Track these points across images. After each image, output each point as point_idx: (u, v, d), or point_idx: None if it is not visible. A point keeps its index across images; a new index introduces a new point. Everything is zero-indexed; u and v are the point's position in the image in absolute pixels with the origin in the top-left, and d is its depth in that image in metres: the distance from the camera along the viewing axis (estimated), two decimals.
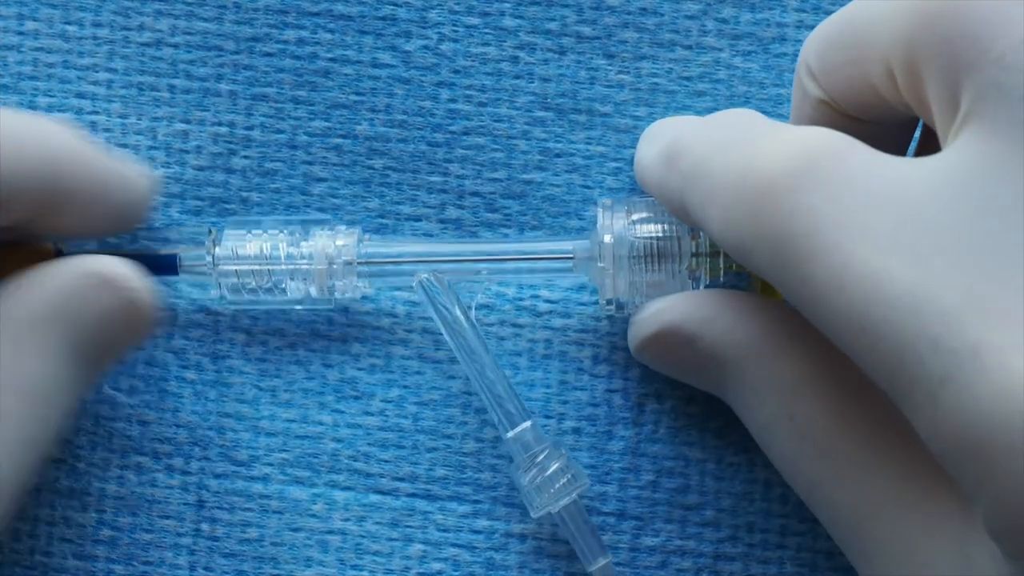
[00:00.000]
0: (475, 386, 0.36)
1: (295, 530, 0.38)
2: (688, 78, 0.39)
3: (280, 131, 0.38)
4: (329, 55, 0.39)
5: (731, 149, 0.30)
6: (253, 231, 0.37)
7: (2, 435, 0.31)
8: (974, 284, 0.26)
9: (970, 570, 0.28)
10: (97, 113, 0.39)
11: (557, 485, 0.36)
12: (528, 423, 0.36)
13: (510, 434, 0.36)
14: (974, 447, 0.25)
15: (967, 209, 0.27)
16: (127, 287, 0.33)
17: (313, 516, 0.37)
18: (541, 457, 0.36)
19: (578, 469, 0.36)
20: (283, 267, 0.36)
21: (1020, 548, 0.26)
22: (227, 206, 0.39)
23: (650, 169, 0.34)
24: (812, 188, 0.28)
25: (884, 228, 0.27)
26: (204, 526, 0.38)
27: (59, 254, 0.36)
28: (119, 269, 0.33)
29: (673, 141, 0.33)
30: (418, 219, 0.39)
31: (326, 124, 0.38)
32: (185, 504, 0.38)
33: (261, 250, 0.36)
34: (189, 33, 0.38)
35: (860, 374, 0.29)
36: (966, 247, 0.26)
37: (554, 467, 0.36)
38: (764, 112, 0.37)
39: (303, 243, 0.37)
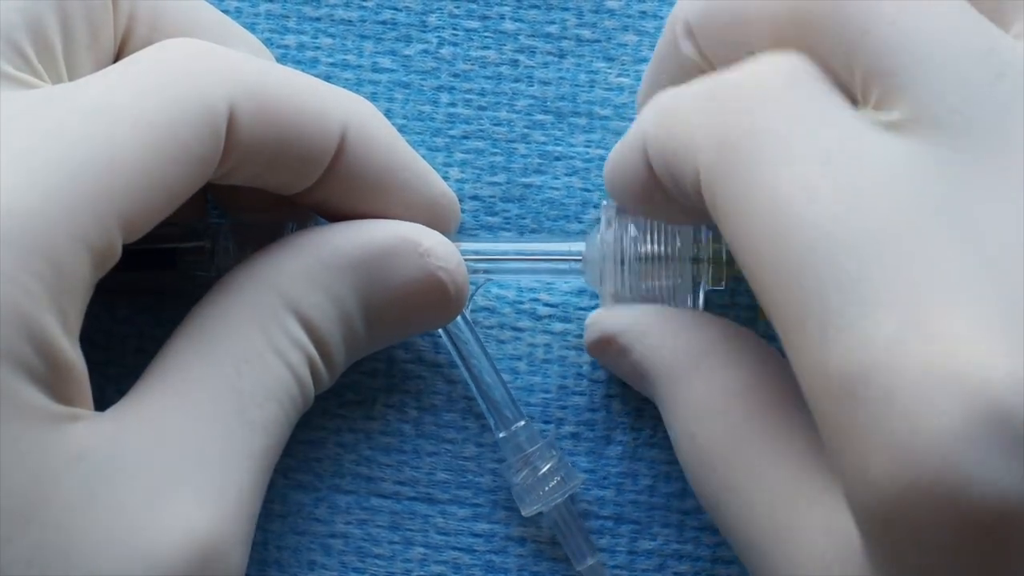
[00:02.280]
0: (470, 385, 0.37)
1: (299, 533, 0.38)
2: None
3: None
4: (330, 60, 0.39)
5: (698, 82, 0.31)
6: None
7: (287, 357, 0.32)
8: (895, 234, 0.26)
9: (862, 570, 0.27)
10: None
11: (549, 485, 0.36)
12: (522, 423, 0.36)
13: (503, 434, 0.36)
14: (850, 388, 0.25)
15: (905, 172, 0.27)
16: (439, 264, 0.34)
17: (316, 520, 0.38)
18: (533, 457, 0.36)
19: (570, 469, 0.36)
20: None
21: (874, 518, 0.26)
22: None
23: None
24: (777, 99, 0.28)
25: (818, 158, 0.27)
26: None
27: None
28: (433, 241, 0.34)
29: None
30: None
31: None
32: None
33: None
34: None
35: (769, 394, 0.29)
36: (895, 202, 0.27)
37: (546, 467, 0.36)
38: None
39: None
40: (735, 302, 0.38)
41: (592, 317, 0.36)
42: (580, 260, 0.36)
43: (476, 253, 0.36)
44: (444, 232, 0.35)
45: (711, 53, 0.32)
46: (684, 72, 0.33)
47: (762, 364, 0.31)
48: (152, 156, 0.29)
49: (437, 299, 0.34)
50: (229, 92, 0.30)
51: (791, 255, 0.27)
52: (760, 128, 0.28)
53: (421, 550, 0.37)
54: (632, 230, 0.35)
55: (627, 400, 0.38)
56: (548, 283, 0.38)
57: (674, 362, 0.33)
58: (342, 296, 0.33)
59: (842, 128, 0.28)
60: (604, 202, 0.36)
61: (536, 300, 0.38)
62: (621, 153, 0.33)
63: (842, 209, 0.27)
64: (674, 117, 0.30)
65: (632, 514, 0.37)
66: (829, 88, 0.29)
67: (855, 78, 0.29)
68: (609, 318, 0.35)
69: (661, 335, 0.34)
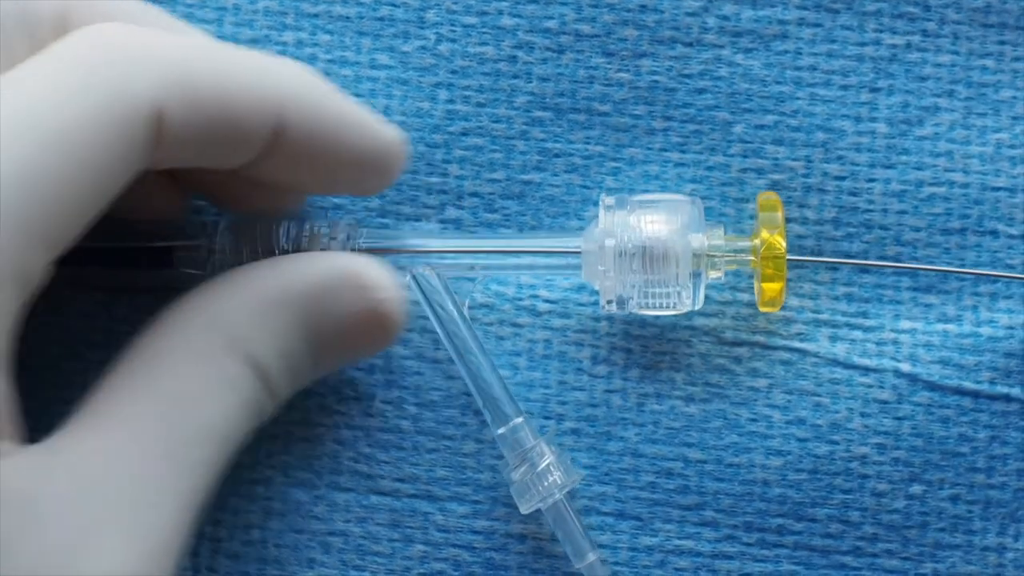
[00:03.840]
0: (467, 382, 0.36)
1: (298, 532, 0.37)
2: (688, 76, 0.39)
3: None
4: (328, 56, 0.39)
5: None
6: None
7: (224, 398, 0.31)
8: None
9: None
10: None
11: (547, 482, 0.36)
12: (520, 419, 0.36)
13: (501, 430, 0.36)
14: None
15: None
16: (380, 296, 0.33)
17: (315, 518, 0.37)
18: (532, 453, 0.36)
19: (568, 465, 0.36)
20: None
21: None
22: None
23: None
24: None
25: None
26: (207, 528, 0.37)
27: None
28: (374, 273, 0.33)
29: None
30: (418, 219, 0.38)
31: None
32: None
33: (258, 244, 0.36)
34: None
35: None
36: None
37: (544, 463, 0.36)
38: (767, 111, 0.38)
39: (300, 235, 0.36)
40: (735, 296, 0.38)
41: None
42: (579, 254, 0.36)
43: (472, 250, 0.36)
44: (396, 175, 0.34)
45: None
46: None
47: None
48: (73, 168, 0.27)
49: (380, 330, 0.34)
50: (154, 85, 0.28)
51: None
52: None
53: (421, 547, 0.37)
54: (630, 222, 0.35)
55: (627, 396, 0.38)
56: (547, 279, 0.38)
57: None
58: (286, 332, 0.32)
59: None
60: (603, 195, 0.36)
61: (536, 296, 0.38)
62: None
63: None
64: None
65: (634, 510, 0.37)
66: None
67: None
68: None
69: None
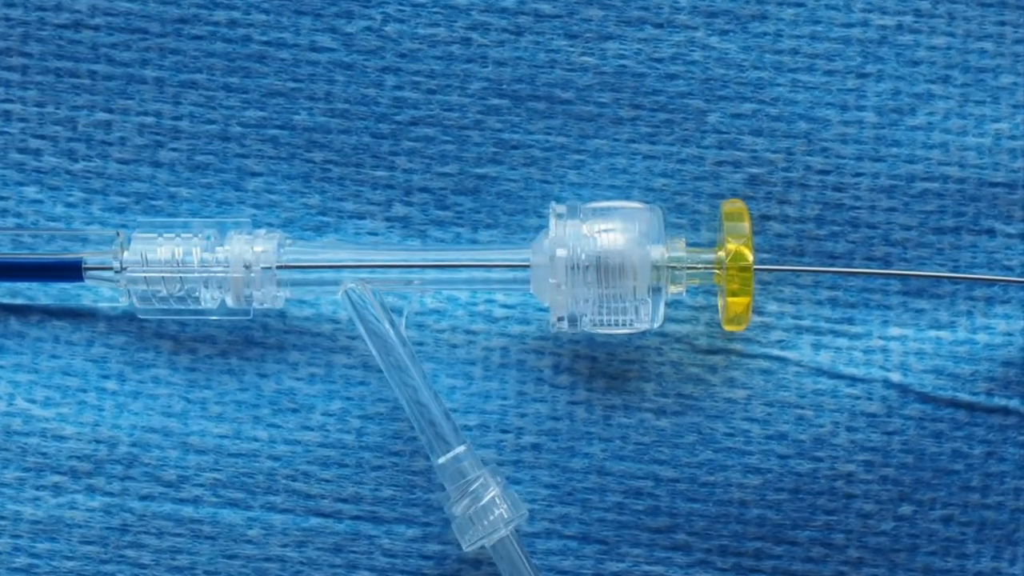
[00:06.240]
0: (404, 406, 0.36)
1: (229, 557, 0.37)
2: (659, 60, 0.38)
3: (211, 121, 0.38)
4: (264, 38, 0.38)
5: None
6: (164, 234, 0.36)
7: None
8: None
9: None
10: (11, 101, 0.38)
11: (492, 516, 0.35)
12: (462, 447, 0.35)
13: (441, 460, 0.35)
14: None
15: None
16: None
17: (249, 542, 0.37)
18: (475, 485, 0.35)
19: (515, 499, 0.35)
20: (196, 274, 0.36)
21: None
22: (153, 203, 0.38)
23: None
24: None
25: None
26: (129, 553, 0.37)
27: None
28: None
29: None
30: (362, 217, 0.38)
31: (261, 114, 0.38)
32: (108, 528, 0.37)
33: (173, 255, 0.35)
34: (111, 14, 0.38)
35: None
36: None
37: (489, 496, 0.35)
38: (744, 98, 0.38)
39: (218, 248, 0.36)
40: (709, 301, 0.38)
41: None
42: (527, 267, 0.36)
43: (410, 264, 0.36)
44: None
45: None
46: None
47: None
48: None
49: None
50: None
51: None
52: None
53: (366, 574, 0.37)
54: (584, 231, 0.35)
55: (593, 408, 0.37)
56: (493, 290, 0.38)
57: None
58: None
59: None
60: (553, 203, 0.36)
61: (492, 301, 0.38)
62: None
63: None
64: None
65: (599, 533, 0.37)
66: None
67: None
68: None
69: None
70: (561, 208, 0.36)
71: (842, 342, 0.37)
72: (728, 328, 0.36)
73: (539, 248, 0.35)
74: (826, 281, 0.37)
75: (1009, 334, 0.37)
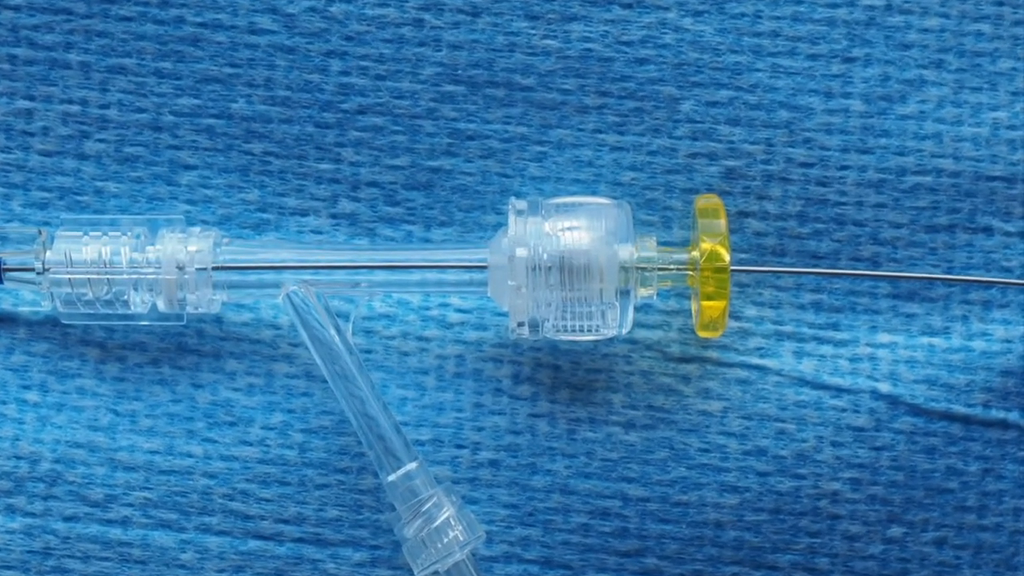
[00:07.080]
0: (351, 419, 0.36)
1: None
2: (627, 43, 0.38)
3: (141, 110, 0.38)
4: (198, 19, 0.38)
5: None
6: (91, 232, 0.36)
7: None
8: None
9: None
10: None
11: (446, 539, 0.34)
12: (414, 464, 0.35)
13: (391, 477, 0.35)
14: None
15: None
16: None
17: (182, 567, 0.37)
18: (428, 505, 0.35)
19: (472, 520, 0.35)
20: (125, 276, 0.35)
21: None
22: (79, 198, 0.38)
23: None
24: None
25: None
26: None
27: None
28: None
29: None
30: (305, 213, 0.38)
31: (196, 102, 0.38)
32: (30, 552, 0.37)
33: (100, 255, 0.35)
34: None
35: None
36: None
37: (443, 517, 0.35)
38: (720, 84, 0.38)
39: (149, 247, 0.36)
40: (682, 305, 0.37)
41: None
42: (484, 268, 0.35)
43: (356, 265, 0.36)
44: None
45: None
46: None
47: None
48: None
49: None
50: None
51: None
52: None
53: None
54: (546, 229, 0.35)
55: (556, 421, 0.37)
56: (448, 292, 0.37)
57: None
58: None
59: None
60: (512, 198, 0.36)
61: (446, 304, 0.37)
62: None
63: None
64: None
65: (563, 557, 0.37)
66: None
67: None
68: None
69: None
70: (521, 204, 0.36)
71: (826, 349, 0.37)
72: (703, 334, 0.36)
73: (497, 247, 0.35)
74: (809, 283, 0.38)
75: (1008, 341, 0.37)
